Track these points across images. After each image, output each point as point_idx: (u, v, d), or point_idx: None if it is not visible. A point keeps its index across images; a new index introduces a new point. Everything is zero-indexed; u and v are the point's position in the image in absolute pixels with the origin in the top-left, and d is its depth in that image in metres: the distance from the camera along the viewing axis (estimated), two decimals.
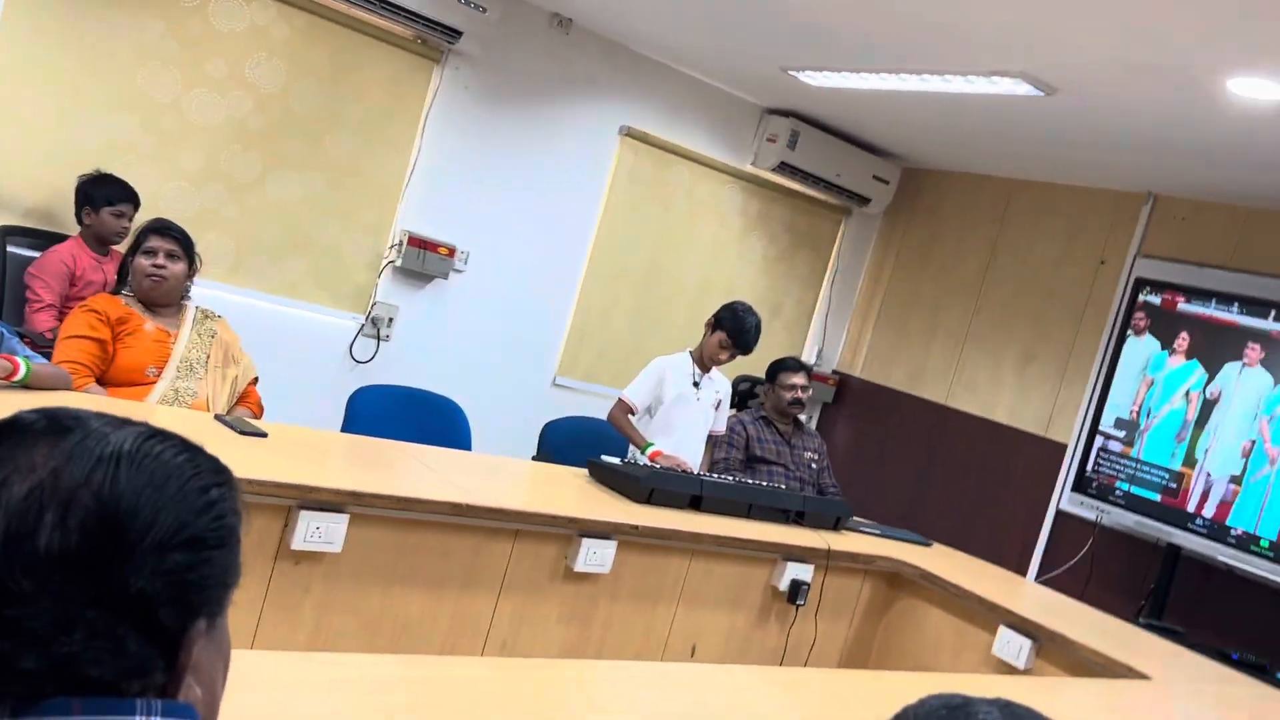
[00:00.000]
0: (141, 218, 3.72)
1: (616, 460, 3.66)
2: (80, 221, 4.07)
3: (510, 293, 5.54)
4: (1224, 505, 4.76)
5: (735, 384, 5.07)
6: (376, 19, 4.80)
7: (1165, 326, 5.14)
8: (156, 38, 4.40)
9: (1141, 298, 5.27)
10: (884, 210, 6.82)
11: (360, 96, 4.93)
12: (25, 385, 2.63)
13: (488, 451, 4.15)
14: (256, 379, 3.44)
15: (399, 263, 5.12)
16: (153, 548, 0.74)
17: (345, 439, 3.35)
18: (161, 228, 3.20)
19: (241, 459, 2.61)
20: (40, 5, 4.16)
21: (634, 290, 6.00)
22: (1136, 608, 5.10)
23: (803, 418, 4.78)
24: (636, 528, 3.15)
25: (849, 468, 6.41)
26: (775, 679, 2.49)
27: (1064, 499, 5.59)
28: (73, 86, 4.27)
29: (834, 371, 6.99)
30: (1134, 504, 5.10)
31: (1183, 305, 5.10)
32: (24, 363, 2.61)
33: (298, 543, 2.55)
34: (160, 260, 3.16)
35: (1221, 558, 4.75)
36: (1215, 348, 4.93)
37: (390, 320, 5.21)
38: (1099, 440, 5.32)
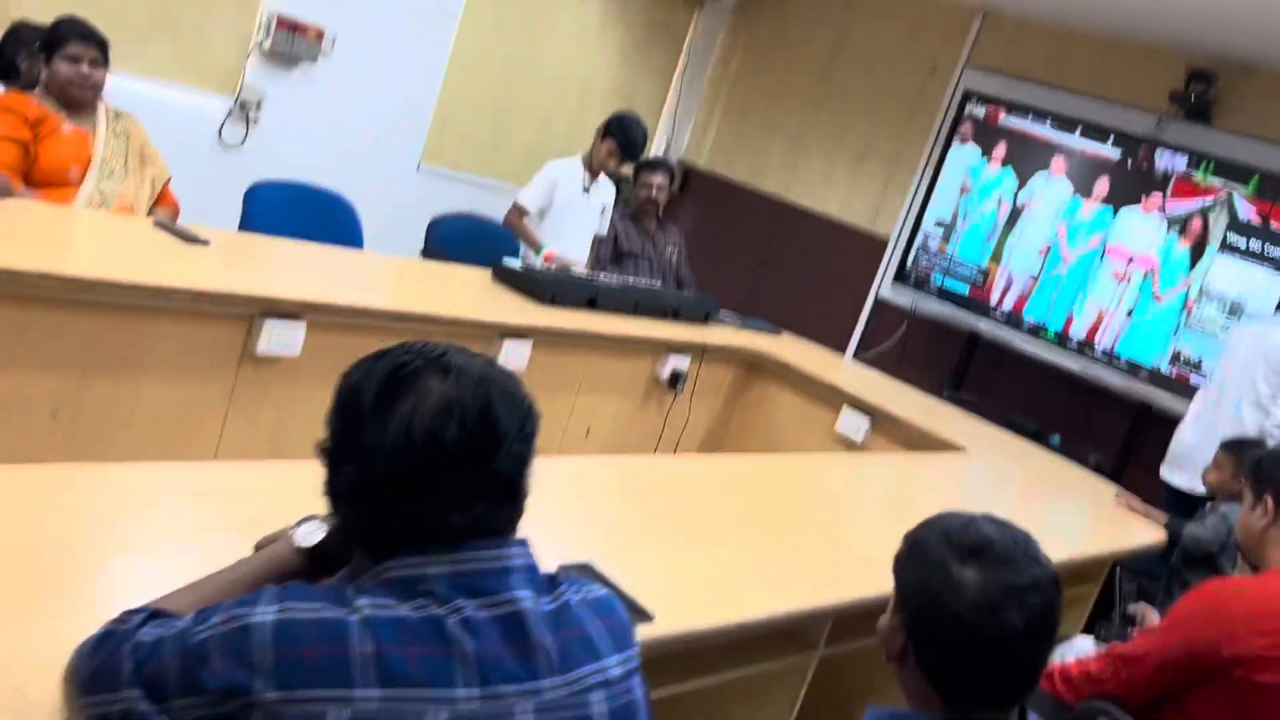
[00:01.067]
0: None
1: (517, 264, 3.96)
2: None
3: (376, 78, 5.53)
4: (1021, 299, 5.53)
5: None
6: None
7: (986, 137, 5.72)
8: None
9: (968, 109, 5.80)
10: (734, 5, 7.02)
11: None
12: None
13: (376, 245, 4.36)
14: (169, 179, 3.51)
15: (267, 45, 5.03)
16: (510, 441, 1.07)
17: (279, 245, 3.47)
18: (85, 33, 3.15)
19: (198, 270, 2.80)
20: None
21: (497, 80, 6.08)
22: (939, 383, 5.91)
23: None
24: (549, 329, 3.51)
25: (693, 257, 6.88)
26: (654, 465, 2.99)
27: (884, 287, 6.27)
28: None
29: (679, 162, 7.32)
30: (945, 295, 5.83)
31: (1004, 119, 5.67)
32: None
33: (262, 349, 2.79)
34: (85, 69, 3.14)
35: (1016, 344, 5.55)
36: (1027, 159, 5.56)
37: (259, 104, 5.16)
38: (920, 237, 5.96)
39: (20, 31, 3.84)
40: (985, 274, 5.67)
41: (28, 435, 2.49)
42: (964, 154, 5.80)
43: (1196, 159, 4.99)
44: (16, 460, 1.61)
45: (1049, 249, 5.45)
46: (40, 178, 3.11)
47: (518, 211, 4.35)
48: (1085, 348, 5.31)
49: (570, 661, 1.08)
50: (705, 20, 7.07)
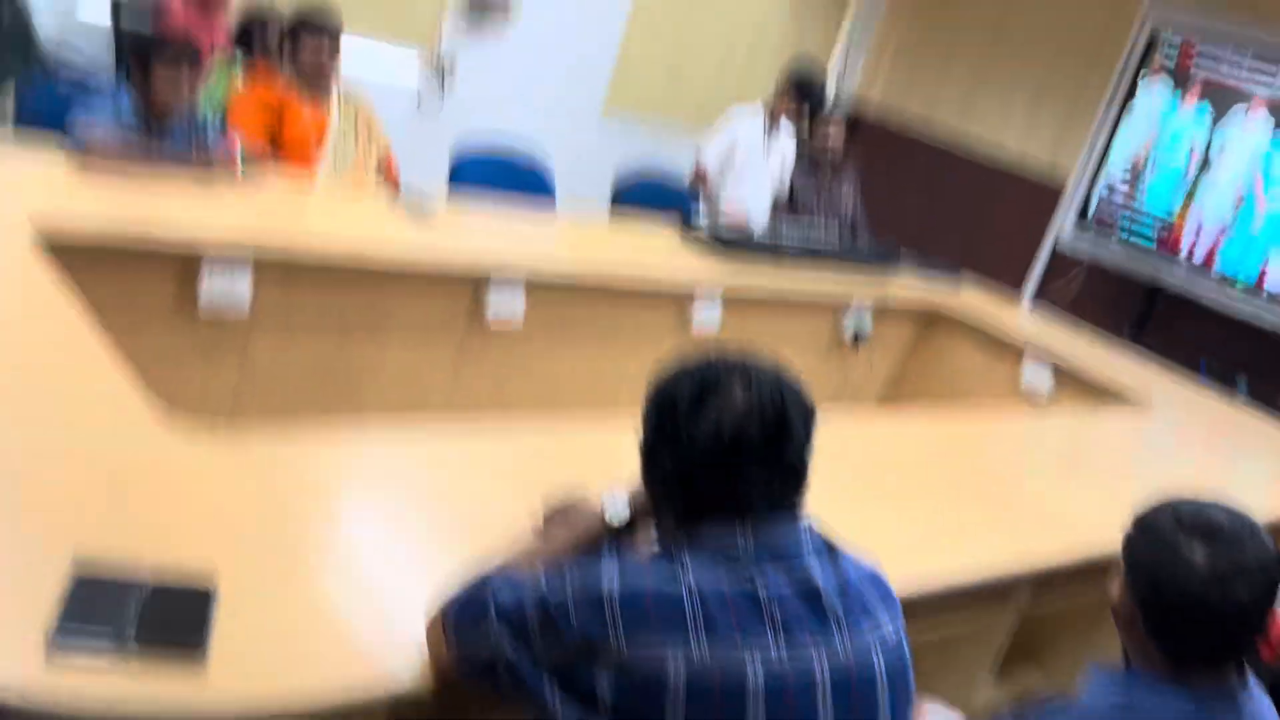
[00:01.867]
0: None
1: (703, 223, 4.13)
2: None
3: (561, 29, 5.72)
4: (1212, 250, 5.39)
5: None
6: None
7: (1179, 74, 5.53)
8: None
9: (1161, 45, 5.59)
10: None
11: None
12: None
13: (567, 192, 4.58)
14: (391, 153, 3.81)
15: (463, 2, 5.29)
16: (799, 436, 1.27)
17: (494, 214, 3.72)
18: (322, 24, 3.46)
19: (433, 244, 3.07)
20: None
21: (674, 26, 6.20)
22: (1119, 330, 5.82)
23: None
24: (741, 290, 3.69)
25: (866, 204, 6.91)
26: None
27: (1063, 233, 6.18)
28: None
29: (850, 106, 7.30)
30: (1131, 244, 5.71)
31: (1198, 55, 5.45)
32: (239, 162, 2.99)
33: (491, 315, 3.06)
34: (324, 58, 3.45)
35: (1205, 294, 5.43)
36: (1224, 97, 5.36)
37: (453, 61, 5.44)
38: (1104, 179, 5.83)
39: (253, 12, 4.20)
40: (1172, 224, 5.54)
41: (292, 392, 2.82)
42: (1154, 93, 5.63)
43: None
44: (286, 413, 1.89)
45: (1243, 198, 5.28)
46: (286, 152, 3.44)
47: (699, 174, 4.52)
48: (1278, 300, 5.16)
49: (855, 623, 1.29)
50: None
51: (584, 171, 5.10)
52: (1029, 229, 6.46)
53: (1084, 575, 2.24)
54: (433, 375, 3.06)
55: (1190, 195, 5.47)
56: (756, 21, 6.55)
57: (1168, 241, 5.56)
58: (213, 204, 2.76)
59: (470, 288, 3.03)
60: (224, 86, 3.90)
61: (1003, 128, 6.63)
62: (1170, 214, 5.55)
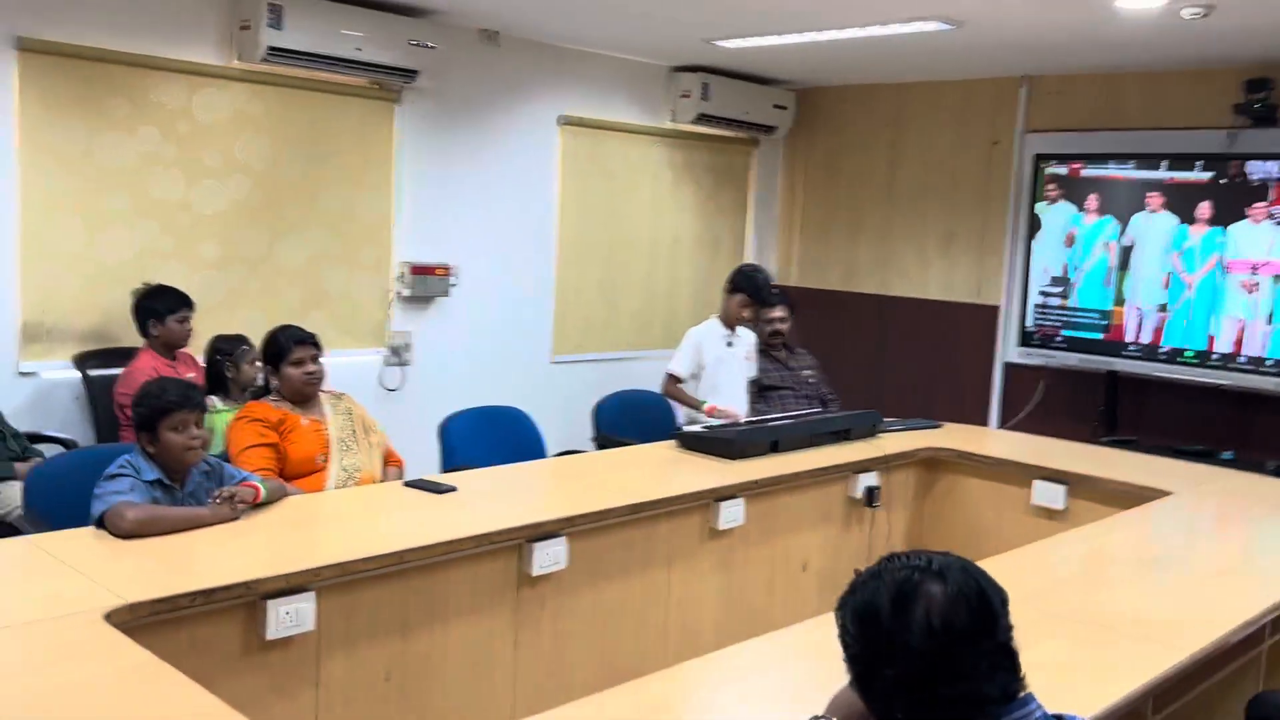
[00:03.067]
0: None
1: (698, 428, 4.26)
2: (147, 334, 4.35)
3: (499, 294, 6.00)
4: (1157, 331, 5.68)
5: None
6: (339, 77, 5.10)
7: (1074, 191, 5.98)
8: (155, 144, 4.63)
9: (1048, 170, 6.08)
10: (786, 134, 7.44)
11: (338, 151, 5.25)
12: (263, 504, 3.04)
13: (550, 443, 4.69)
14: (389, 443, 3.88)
15: (406, 292, 5.52)
16: (1001, 612, 1.33)
17: (507, 474, 3.80)
18: (302, 338, 3.59)
19: (466, 517, 3.12)
20: (51, 132, 4.35)
21: (598, 264, 6.52)
22: (1090, 430, 6.02)
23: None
24: (757, 482, 3.78)
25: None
26: None
27: (1010, 353, 6.46)
28: (94, 207, 4.49)
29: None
30: (1076, 345, 6.00)
31: (1085, 171, 5.93)
32: (261, 486, 3.03)
33: (535, 569, 3.09)
34: (310, 367, 3.56)
35: (1159, 373, 5.68)
36: (1121, 201, 5.79)
37: (407, 346, 5.62)
38: (1035, 298, 6.17)
39: (217, 345, 4.33)
40: (1111, 313, 5.85)
41: (370, 701, 2.78)
42: (1058, 212, 6.04)
43: None
44: None
45: (1169, 278, 5.63)
46: (293, 470, 3.49)
47: (672, 379, 4.69)
48: (1230, 361, 5.43)
49: None
50: (762, 155, 7.50)
51: (545, 413, 5.21)
52: (976, 356, 6.74)
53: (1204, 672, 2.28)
54: (492, 640, 3.05)
55: (1120, 288, 5.81)
56: (670, 238, 6.93)
57: (1111, 329, 5.85)
58: (254, 540, 2.79)
59: (515, 550, 3.07)
60: (215, 425, 3.99)
61: (923, 276, 7.01)
62: (1106, 308, 5.86)
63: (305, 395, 3.62)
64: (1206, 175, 5.47)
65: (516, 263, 6.07)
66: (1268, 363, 5.30)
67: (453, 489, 3.37)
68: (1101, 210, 5.87)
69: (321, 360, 3.65)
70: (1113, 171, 5.82)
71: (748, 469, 3.91)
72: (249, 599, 2.48)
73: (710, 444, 4.10)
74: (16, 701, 1.85)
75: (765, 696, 1.91)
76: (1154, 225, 5.68)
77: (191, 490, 2.98)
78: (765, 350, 5.22)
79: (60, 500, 3.14)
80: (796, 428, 4.33)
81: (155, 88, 4.62)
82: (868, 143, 7.24)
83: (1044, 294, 6.14)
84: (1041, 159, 6.12)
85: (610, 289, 6.61)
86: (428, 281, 5.57)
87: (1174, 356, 5.63)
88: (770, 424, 4.32)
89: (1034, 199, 6.17)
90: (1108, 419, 6.01)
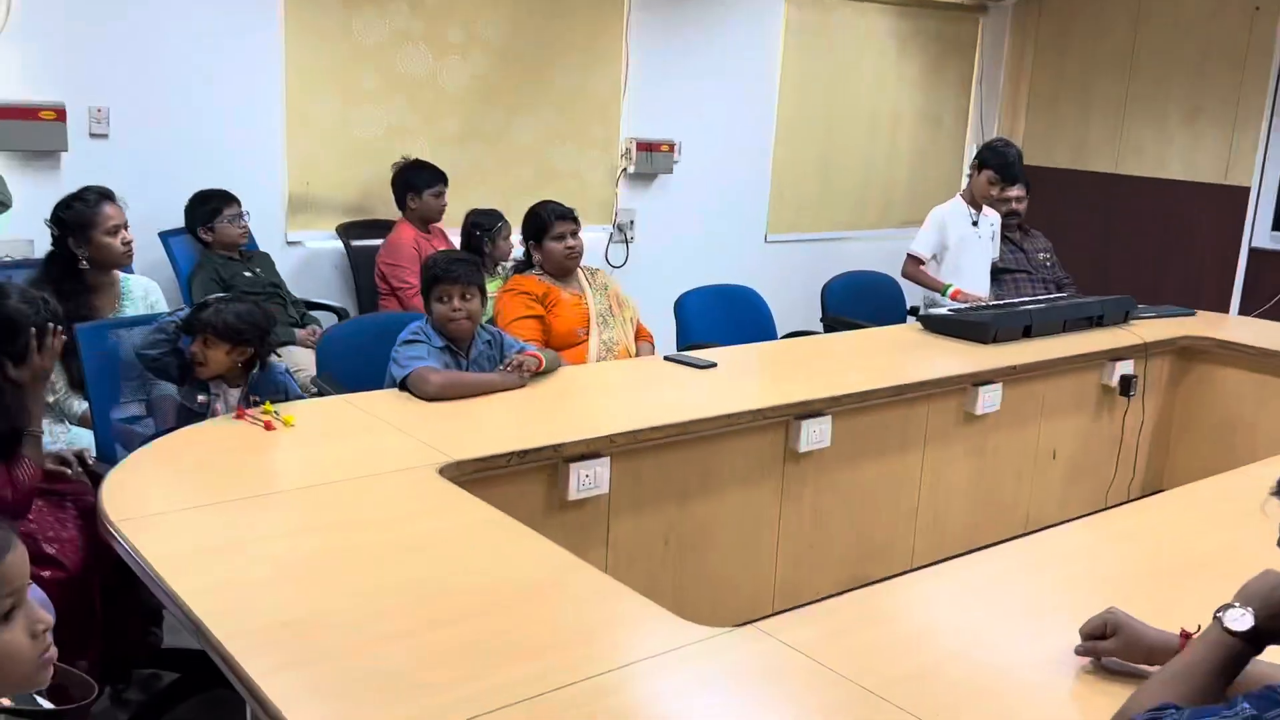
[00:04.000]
0: None
1: (945, 311, 4.17)
2: (405, 206, 4.52)
3: (718, 172, 5.95)
4: None
5: None
6: None
7: None
8: (405, 19, 4.73)
9: None
10: (1014, 1, 7.02)
11: (571, 26, 5.25)
12: (542, 372, 3.15)
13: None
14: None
15: (632, 169, 5.54)
16: None
17: (760, 352, 3.84)
18: (563, 213, 3.66)
19: (736, 392, 3.16)
20: (312, 8, 4.50)
21: (817, 139, 6.37)
22: None
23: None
24: (1014, 368, 3.70)
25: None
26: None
27: (1257, 238, 6.04)
28: (350, 83, 4.65)
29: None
30: None
31: None
32: (544, 355, 3.14)
33: (802, 446, 3.12)
34: (571, 242, 3.64)
35: None
36: None
37: (632, 223, 5.67)
38: None
39: (475, 220, 4.46)
40: None
41: (650, 563, 2.90)
42: None
43: None
44: (647, 589, 1.93)
45: None
46: (557, 343, 3.60)
47: (914, 261, 4.58)
48: None
49: None
50: (990, 24, 7.10)
51: (764, 292, 5.18)
52: (1218, 241, 6.33)
53: None
54: (760, 512, 3.12)
55: None
56: (891, 111, 6.69)
57: None
58: (544, 406, 2.92)
59: (783, 426, 3.10)
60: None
61: (1162, 154, 6.58)
62: None
63: (566, 269, 3.70)
64: None
65: (736, 139, 6.00)
66: None
67: (713, 364, 3.42)
68: None
69: (580, 238, 3.72)
70: None
71: (1002, 354, 3.81)
72: (554, 461, 2.60)
73: (961, 327, 4.01)
74: (394, 545, 2.00)
75: (1008, 610, 1.87)
76: None
77: (475, 358, 3.12)
78: (1001, 232, 5.03)
79: (351, 364, 3.35)
80: (1050, 312, 4.18)
81: None
82: (1105, 9, 6.75)
83: None
84: None
85: (827, 167, 6.47)
86: (653, 158, 5.58)
87: None
88: (1022, 307, 4.19)
89: None
90: None
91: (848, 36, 6.35)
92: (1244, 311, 6.20)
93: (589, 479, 2.66)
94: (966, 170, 4.65)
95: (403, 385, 2.92)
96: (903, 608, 1.93)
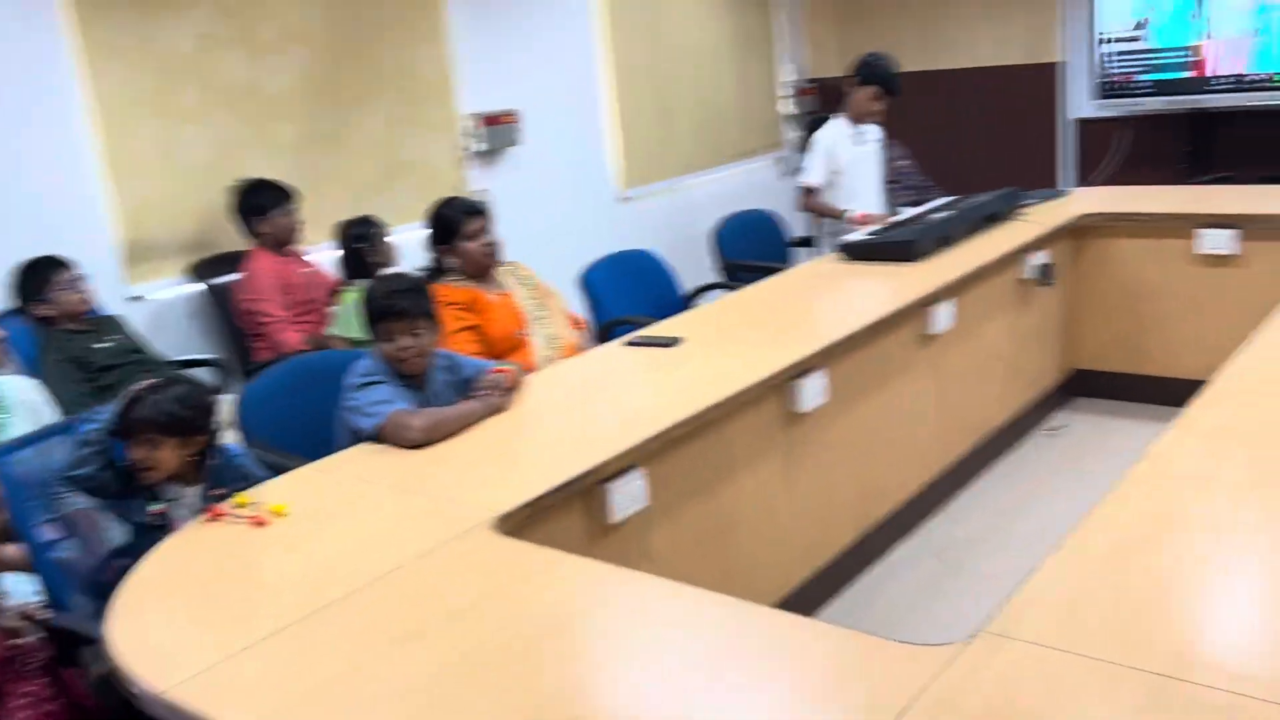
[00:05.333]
0: None
1: (864, 236, 4.06)
2: (253, 232, 4.02)
3: (564, 135, 5.64)
4: (1240, 59, 5.51)
5: None
6: None
7: None
8: (208, 20, 4.16)
9: None
10: None
11: (387, 3, 4.78)
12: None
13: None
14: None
15: (482, 147, 5.16)
16: None
17: (708, 316, 3.59)
18: (472, 209, 3.31)
19: (725, 365, 2.92)
20: (108, 24, 3.89)
21: (651, 86, 6.15)
22: (1177, 174, 5.91)
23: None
24: (961, 280, 3.63)
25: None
26: None
27: (1083, 108, 6.27)
28: (164, 102, 4.06)
29: (810, 80, 7.32)
30: (1162, 88, 5.81)
31: None
32: (515, 368, 2.81)
33: (803, 406, 2.94)
34: (486, 238, 3.30)
35: (1248, 103, 5.54)
36: None
37: (487, 203, 5.29)
38: (1108, 46, 5.93)
39: (349, 231, 4.03)
40: (1198, 48, 5.65)
41: (688, 568, 2.65)
42: None
43: None
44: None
45: (1255, 3, 5.42)
46: (497, 350, 3.26)
47: (807, 192, 4.45)
48: None
49: None
50: None
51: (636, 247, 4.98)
52: (1039, 117, 6.54)
53: None
54: (770, 484, 2.93)
55: (1201, 21, 5.60)
56: (710, 46, 6.55)
57: (1196, 65, 5.67)
58: (541, 427, 2.61)
59: (776, 390, 2.90)
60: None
61: (972, 42, 6.71)
62: (1188, 44, 5.66)
63: (485, 268, 3.36)
64: None
65: (574, 99, 5.71)
66: None
67: (677, 340, 3.16)
68: None
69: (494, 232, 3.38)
70: None
71: (935, 269, 3.74)
72: (588, 483, 2.31)
73: (886, 250, 3.91)
74: (525, 633, 1.67)
75: None
76: None
77: (438, 390, 2.75)
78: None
79: (274, 419, 2.92)
80: (957, 220, 4.14)
81: None
82: None
83: (1118, 40, 5.91)
84: None
85: (664, 113, 6.27)
86: (497, 132, 5.21)
87: (1267, 83, 5.48)
88: (930, 219, 4.13)
89: None
90: (1197, 159, 5.90)
91: None
92: (1080, 180, 6.45)
93: (628, 496, 2.39)
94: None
95: (377, 437, 2.53)
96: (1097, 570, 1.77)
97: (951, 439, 3.82)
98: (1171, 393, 4.54)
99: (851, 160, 4.44)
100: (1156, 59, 5.81)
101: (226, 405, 3.12)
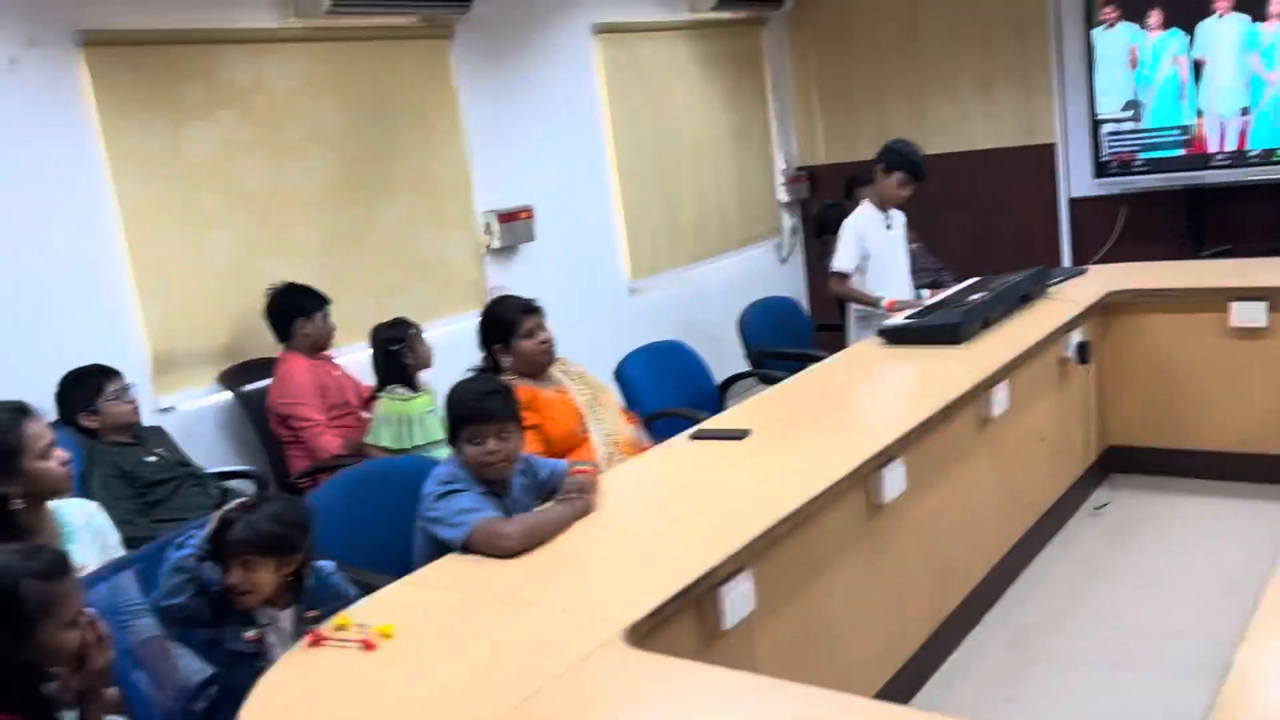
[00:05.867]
0: None
1: (902, 321, 4.04)
2: (290, 335, 3.93)
3: (575, 229, 5.63)
4: (1241, 136, 5.64)
5: None
6: (395, 20, 4.62)
7: (1133, 9, 5.83)
8: (234, 127, 4.12)
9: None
10: (789, 7, 7.11)
11: (404, 105, 4.79)
12: None
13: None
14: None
15: (496, 243, 5.12)
16: None
17: (761, 408, 3.52)
18: (527, 307, 3.26)
19: (806, 458, 2.86)
20: (134, 132, 3.84)
21: (654, 176, 6.18)
22: (1178, 249, 5.99)
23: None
24: (1013, 362, 3.60)
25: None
26: None
27: (1080, 188, 6.38)
28: (188, 209, 3.99)
29: (799, 169, 7.40)
30: (1158, 166, 5.93)
31: None
32: (595, 467, 2.73)
33: (884, 497, 2.87)
34: (542, 335, 3.24)
35: (1248, 179, 5.67)
36: (1185, 13, 5.67)
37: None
38: (1105, 127, 6.06)
39: (384, 335, 3.95)
40: (1193, 127, 5.78)
41: (791, 669, 2.54)
42: (1118, 35, 5.90)
43: None
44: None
45: (1248, 81, 5.57)
46: (558, 448, 3.17)
47: (839, 278, 4.43)
48: None
49: None
50: (771, 34, 7.17)
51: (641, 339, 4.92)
52: (1040, 196, 6.63)
53: None
54: (858, 575, 2.85)
55: (1197, 100, 5.74)
56: (711, 132, 6.62)
57: (1194, 143, 5.79)
58: (629, 532, 2.52)
59: (858, 482, 2.83)
60: (412, 412, 3.67)
61: (964, 127, 6.83)
62: (1185, 121, 5.79)
63: (542, 366, 3.30)
64: None
65: (583, 193, 5.72)
66: None
67: (746, 432, 3.10)
68: (1166, 24, 5.75)
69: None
70: None
71: (983, 351, 3.72)
72: (705, 588, 2.21)
73: (929, 333, 3.89)
74: None
75: None
76: (1224, 29, 5.59)
77: (517, 495, 2.66)
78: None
79: (341, 533, 2.80)
80: (994, 300, 4.14)
81: (223, 64, 4.10)
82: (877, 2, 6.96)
83: (1114, 120, 6.04)
84: None
85: (668, 203, 6.28)
86: (515, 228, 5.18)
87: (1266, 158, 5.61)
88: (971, 302, 4.12)
89: (1089, 24, 6.02)
90: (1196, 234, 5.99)
91: (656, 67, 6.21)
92: (1078, 260, 6.52)
93: (740, 598, 2.30)
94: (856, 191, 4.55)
95: (465, 547, 2.43)
96: None
97: (1012, 521, 3.77)
98: (1207, 466, 4.64)
99: (880, 246, 4.45)
100: (1153, 137, 5.93)
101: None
